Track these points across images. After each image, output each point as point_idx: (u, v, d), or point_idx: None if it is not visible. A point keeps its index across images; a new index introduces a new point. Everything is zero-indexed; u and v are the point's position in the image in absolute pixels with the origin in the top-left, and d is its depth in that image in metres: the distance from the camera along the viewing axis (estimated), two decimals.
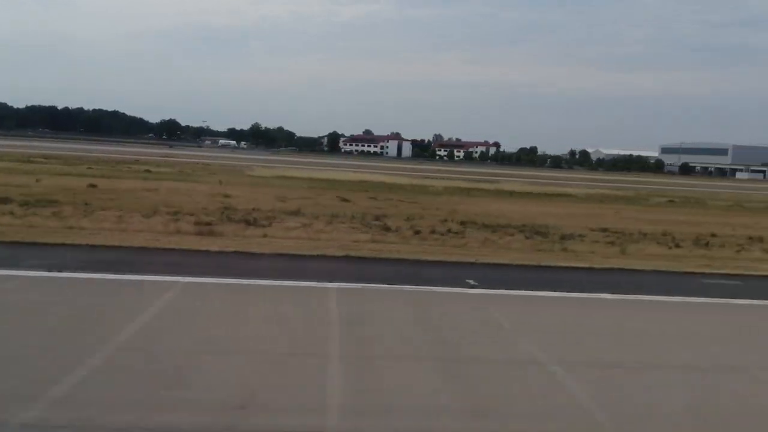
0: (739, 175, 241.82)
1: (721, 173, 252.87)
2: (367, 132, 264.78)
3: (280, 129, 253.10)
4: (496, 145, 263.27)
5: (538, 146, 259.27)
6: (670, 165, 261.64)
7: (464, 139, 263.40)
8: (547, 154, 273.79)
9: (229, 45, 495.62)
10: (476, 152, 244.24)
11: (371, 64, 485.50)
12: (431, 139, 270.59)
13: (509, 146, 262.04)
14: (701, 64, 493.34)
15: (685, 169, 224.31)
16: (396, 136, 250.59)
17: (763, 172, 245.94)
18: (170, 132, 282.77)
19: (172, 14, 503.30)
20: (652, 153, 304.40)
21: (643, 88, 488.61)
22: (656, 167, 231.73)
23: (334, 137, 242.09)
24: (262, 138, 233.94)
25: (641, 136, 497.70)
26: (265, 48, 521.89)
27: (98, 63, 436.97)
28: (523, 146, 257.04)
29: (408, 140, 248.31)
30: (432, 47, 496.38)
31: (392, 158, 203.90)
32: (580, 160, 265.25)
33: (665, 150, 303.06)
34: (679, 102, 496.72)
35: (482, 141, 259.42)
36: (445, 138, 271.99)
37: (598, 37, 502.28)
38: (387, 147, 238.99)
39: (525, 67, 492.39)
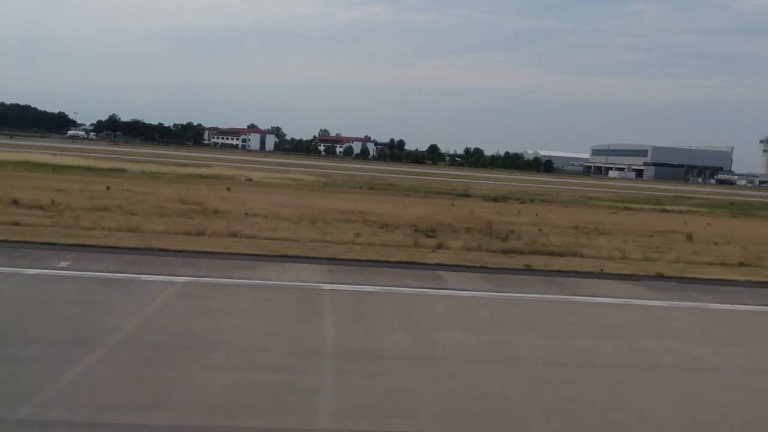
0: (611, 173, 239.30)
1: (605, 172, 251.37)
2: (252, 126, 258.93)
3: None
4: (401, 143, 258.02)
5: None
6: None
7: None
8: (446, 153, 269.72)
9: (225, 45, 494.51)
10: (341, 147, 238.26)
11: (365, 67, 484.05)
12: (316, 135, 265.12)
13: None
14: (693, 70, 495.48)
15: (548, 167, 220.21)
16: (257, 130, 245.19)
17: (640, 171, 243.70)
18: (62, 125, 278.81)
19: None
20: (585, 154, 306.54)
21: (628, 93, 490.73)
22: (532, 165, 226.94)
23: (197, 129, 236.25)
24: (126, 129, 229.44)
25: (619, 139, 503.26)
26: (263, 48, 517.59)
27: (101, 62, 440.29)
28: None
29: (272, 134, 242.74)
30: (427, 52, 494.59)
31: (232, 149, 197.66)
32: (474, 156, 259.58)
33: (595, 151, 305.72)
34: (665, 107, 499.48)
35: (362, 137, 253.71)
36: (333, 134, 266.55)
37: (590, 45, 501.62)
38: (249, 140, 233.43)
39: (521, 72, 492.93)
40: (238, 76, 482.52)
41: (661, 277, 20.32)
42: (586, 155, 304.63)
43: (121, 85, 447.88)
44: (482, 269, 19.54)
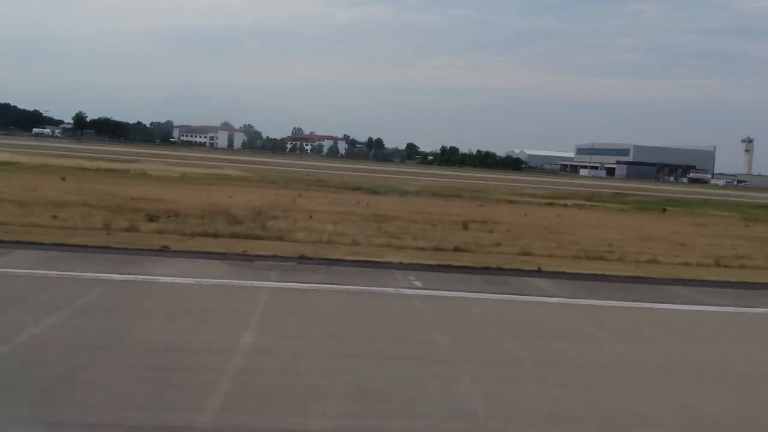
0: (582, 172, 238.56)
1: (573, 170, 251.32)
2: (225, 124, 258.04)
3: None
4: (379, 141, 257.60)
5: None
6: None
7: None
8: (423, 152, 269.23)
9: (225, 45, 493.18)
10: (308, 146, 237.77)
11: (365, 67, 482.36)
12: (291, 133, 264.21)
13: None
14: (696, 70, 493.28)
15: (517, 165, 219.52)
16: (227, 128, 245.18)
17: (612, 170, 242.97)
18: (37, 123, 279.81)
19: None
20: (572, 154, 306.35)
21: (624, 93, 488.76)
22: (502, 163, 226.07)
23: (166, 127, 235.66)
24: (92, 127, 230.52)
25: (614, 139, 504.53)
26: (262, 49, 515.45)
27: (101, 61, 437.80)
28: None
29: (240, 132, 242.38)
30: (427, 52, 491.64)
31: (197, 147, 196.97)
32: (447, 155, 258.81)
33: (580, 151, 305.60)
34: (655, 107, 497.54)
35: (335, 135, 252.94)
36: (307, 132, 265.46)
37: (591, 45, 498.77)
38: (216, 138, 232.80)
39: (521, 72, 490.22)
40: (238, 76, 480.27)
41: (298, 258, 19.32)
42: (573, 154, 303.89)
43: (121, 85, 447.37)
44: (102, 250, 18.61)
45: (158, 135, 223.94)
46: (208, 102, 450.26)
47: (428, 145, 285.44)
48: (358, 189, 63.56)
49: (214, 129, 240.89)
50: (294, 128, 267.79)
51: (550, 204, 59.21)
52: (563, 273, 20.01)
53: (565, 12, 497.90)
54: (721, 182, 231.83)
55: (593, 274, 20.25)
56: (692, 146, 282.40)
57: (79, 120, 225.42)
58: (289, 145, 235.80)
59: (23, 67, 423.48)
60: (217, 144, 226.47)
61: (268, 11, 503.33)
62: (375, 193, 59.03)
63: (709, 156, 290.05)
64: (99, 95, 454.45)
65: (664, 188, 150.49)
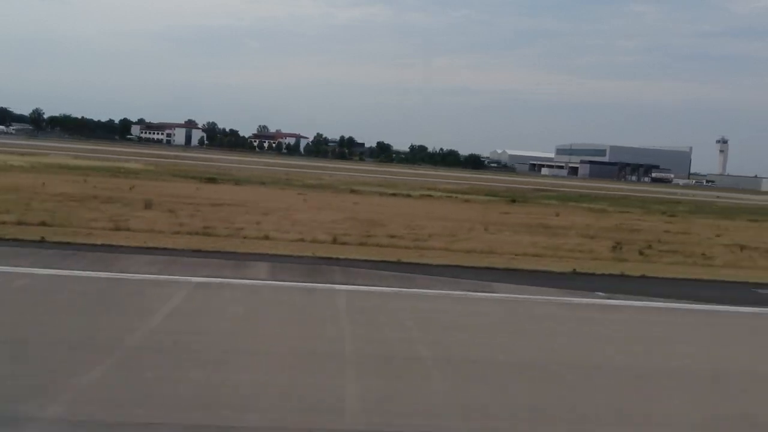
0: (543, 171, 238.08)
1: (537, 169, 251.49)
2: (189, 121, 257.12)
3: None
4: (351, 140, 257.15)
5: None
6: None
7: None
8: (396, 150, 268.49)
9: (225, 45, 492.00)
10: (266, 143, 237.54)
11: (365, 67, 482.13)
12: (257, 131, 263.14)
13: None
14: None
15: (477, 164, 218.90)
16: (190, 125, 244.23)
17: (575, 169, 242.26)
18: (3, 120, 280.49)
19: None
20: (551, 154, 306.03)
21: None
22: (466, 162, 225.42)
23: (125, 123, 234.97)
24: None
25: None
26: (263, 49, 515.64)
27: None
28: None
29: (198, 129, 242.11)
30: (427, 52, 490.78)
31: (150, 144, 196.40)
32: (412, 153, 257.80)
33: (560, 151, 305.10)
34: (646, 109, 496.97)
35: (298, 133, 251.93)
36: (273, 130, 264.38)
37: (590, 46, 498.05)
38: (174, 135, 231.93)
39: (521, 72, 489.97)
40: (238, 76, 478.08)
41: None
42: (551, 154, 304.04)
43: (121, 85, 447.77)
44: None
45: (118, 132, 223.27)
46: (207, 102, 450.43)
47: (403, 144, 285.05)
48: (213, 179, 62.15)
49: (174, 126, 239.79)
50: (259, 126, 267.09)
51: (393, 195, 58.14)
52: (77, 244, 19.02)
53: (565, 12, 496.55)
54: (682, 182, 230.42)
55: (127, 246, 19.38)
56: (669, 147, 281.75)
57: (37, 116, 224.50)
58: (250, 143, 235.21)
59: (22, 67, 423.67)
60: (174, 141, 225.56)
61: (268, 11, 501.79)
62: (212, 181, 58.00)
63: (685, 156, 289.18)
64: (99, 95, 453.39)
65: (609, 186, 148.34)
